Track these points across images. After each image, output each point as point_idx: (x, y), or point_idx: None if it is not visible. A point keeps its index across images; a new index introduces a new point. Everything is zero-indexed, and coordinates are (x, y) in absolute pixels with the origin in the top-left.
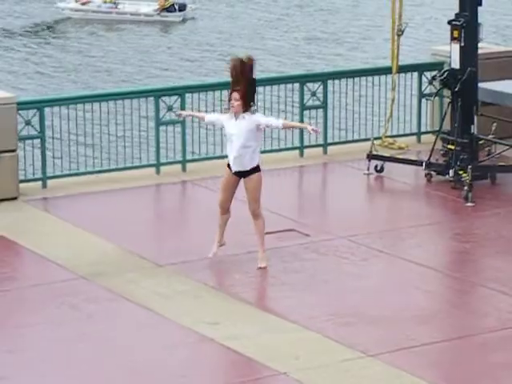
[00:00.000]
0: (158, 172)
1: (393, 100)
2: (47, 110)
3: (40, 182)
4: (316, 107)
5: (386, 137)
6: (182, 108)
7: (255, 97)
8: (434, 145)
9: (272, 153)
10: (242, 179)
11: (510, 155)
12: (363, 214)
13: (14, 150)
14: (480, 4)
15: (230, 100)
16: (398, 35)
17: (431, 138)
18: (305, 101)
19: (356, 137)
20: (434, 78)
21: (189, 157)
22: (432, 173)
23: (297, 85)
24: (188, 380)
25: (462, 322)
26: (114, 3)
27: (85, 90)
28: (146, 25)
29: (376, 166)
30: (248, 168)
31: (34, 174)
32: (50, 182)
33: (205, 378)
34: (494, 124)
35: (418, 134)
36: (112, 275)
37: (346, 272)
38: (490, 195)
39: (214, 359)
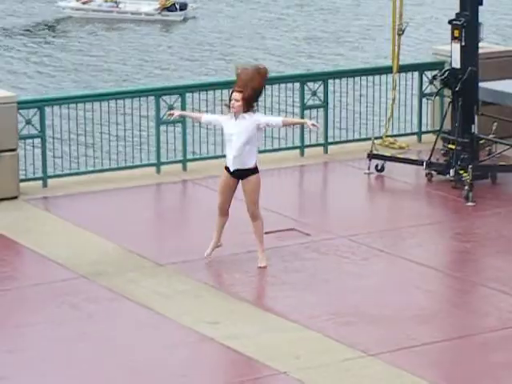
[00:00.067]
0: (158, 171)
1: (393, 99)
2: (47, 109)
3: (40, 182)
4: (317, 107)
5: (387, 136)
6: (183, 108)
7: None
8: (434, 144)
9: (272, 152)
10: (240, 181)
11: (510, 155)
12: (364, 214)
13: (14, 150)
14: (481, 3)
15: (230, 100)
16: (399, 35)
17: (432, 137)
18: (305, 100)
19: (357, 136)
20: (434, 77)
21: (189, 156)
22: (433, 172)
23: (297, 84)
24: (188, 379)
25: (463, 321)
26: (115, 2)
27: (85, 89)
28: (147, 24)
29: (377, 166)
30: (247, 166)
31: (34, 174)
32: (50, 182)
33: (205, 378)
34: (495, 123)
35: (419, 133)
36: (112, 274)
37: (347, 271)
38: (491, 195)
39: (215, 359)
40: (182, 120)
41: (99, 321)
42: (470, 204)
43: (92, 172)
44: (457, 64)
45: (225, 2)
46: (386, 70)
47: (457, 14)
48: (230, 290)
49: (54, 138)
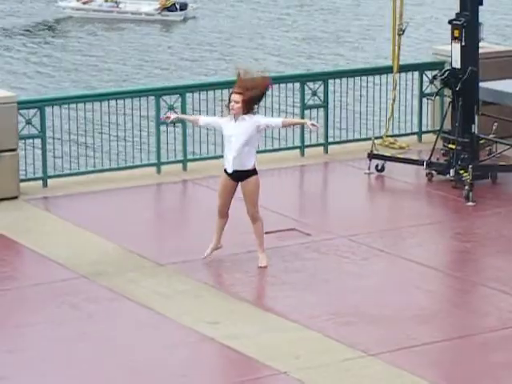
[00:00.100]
0: (158, 171)
1: (394, 99)
2: (48, 109)
3: (40, 182)
4: (317, 106)
5: (387, 136)
6: (183, 108)
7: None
8: (434, 144)
9: (273, 152)
10: (240, 183)
11: (510, 155)
12: (364, 214)
13: (14, 150)
14: (481, 3)
15: (229, 101)
16: (399, 35)
17: (432, 137)
18: (305, 100)
19: (357, 136)
20: (434, 77)
21: (190, 156)
22: (433, 172)
23: (297, 84)
24: (188, 379)
25: (463, 321)
26: (115, 2)
27: (85, 89)
28: (147, 24)
29: (377, 166)
30: (246, 168)
31: (34, 174)
32: (50, 182)
33: (205, 378)
34: (495, 123)
35: (419, 133)
36: (112, 274)
37: (347, 271)
38: (491, 195)
39: (215, 359)
40: (181, 121)
41: (99, 321)
42: (470, 204)
43: (92, 172)
44: (457, 64)
45: (225, 2)
46: (386, 70)
47: (457, 13)
48: (230, 290)
49: (54, 138)
